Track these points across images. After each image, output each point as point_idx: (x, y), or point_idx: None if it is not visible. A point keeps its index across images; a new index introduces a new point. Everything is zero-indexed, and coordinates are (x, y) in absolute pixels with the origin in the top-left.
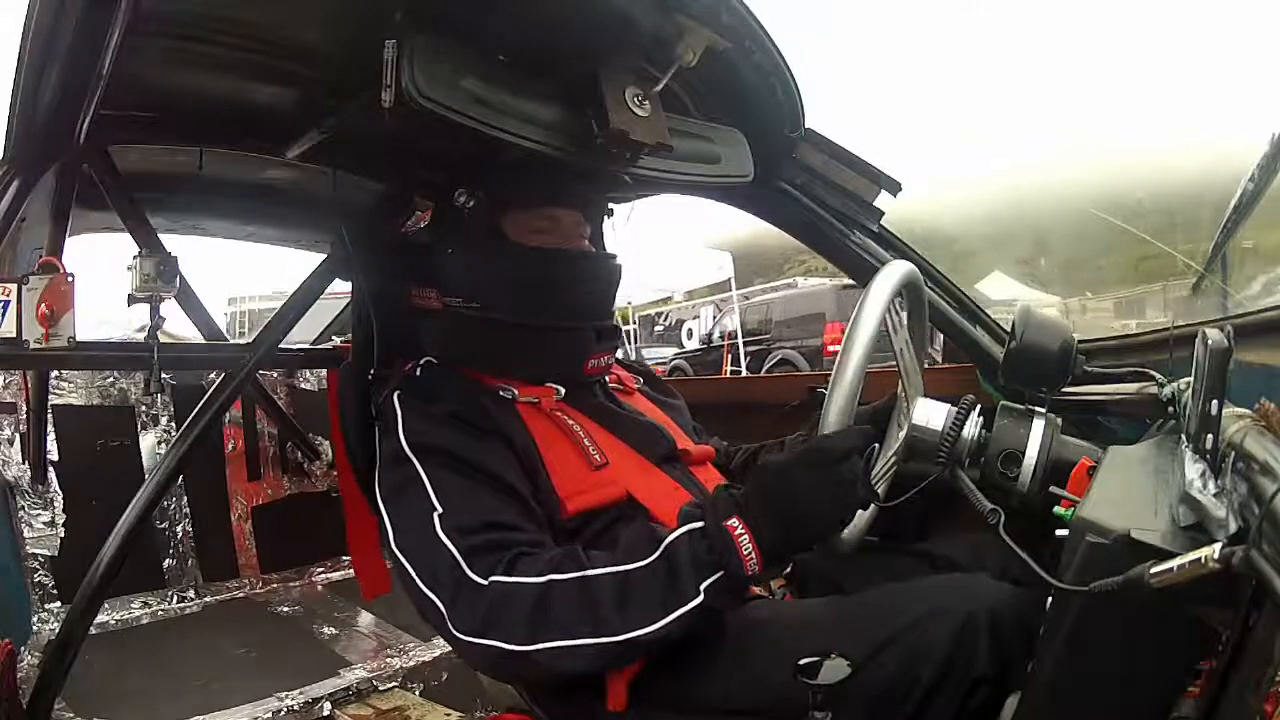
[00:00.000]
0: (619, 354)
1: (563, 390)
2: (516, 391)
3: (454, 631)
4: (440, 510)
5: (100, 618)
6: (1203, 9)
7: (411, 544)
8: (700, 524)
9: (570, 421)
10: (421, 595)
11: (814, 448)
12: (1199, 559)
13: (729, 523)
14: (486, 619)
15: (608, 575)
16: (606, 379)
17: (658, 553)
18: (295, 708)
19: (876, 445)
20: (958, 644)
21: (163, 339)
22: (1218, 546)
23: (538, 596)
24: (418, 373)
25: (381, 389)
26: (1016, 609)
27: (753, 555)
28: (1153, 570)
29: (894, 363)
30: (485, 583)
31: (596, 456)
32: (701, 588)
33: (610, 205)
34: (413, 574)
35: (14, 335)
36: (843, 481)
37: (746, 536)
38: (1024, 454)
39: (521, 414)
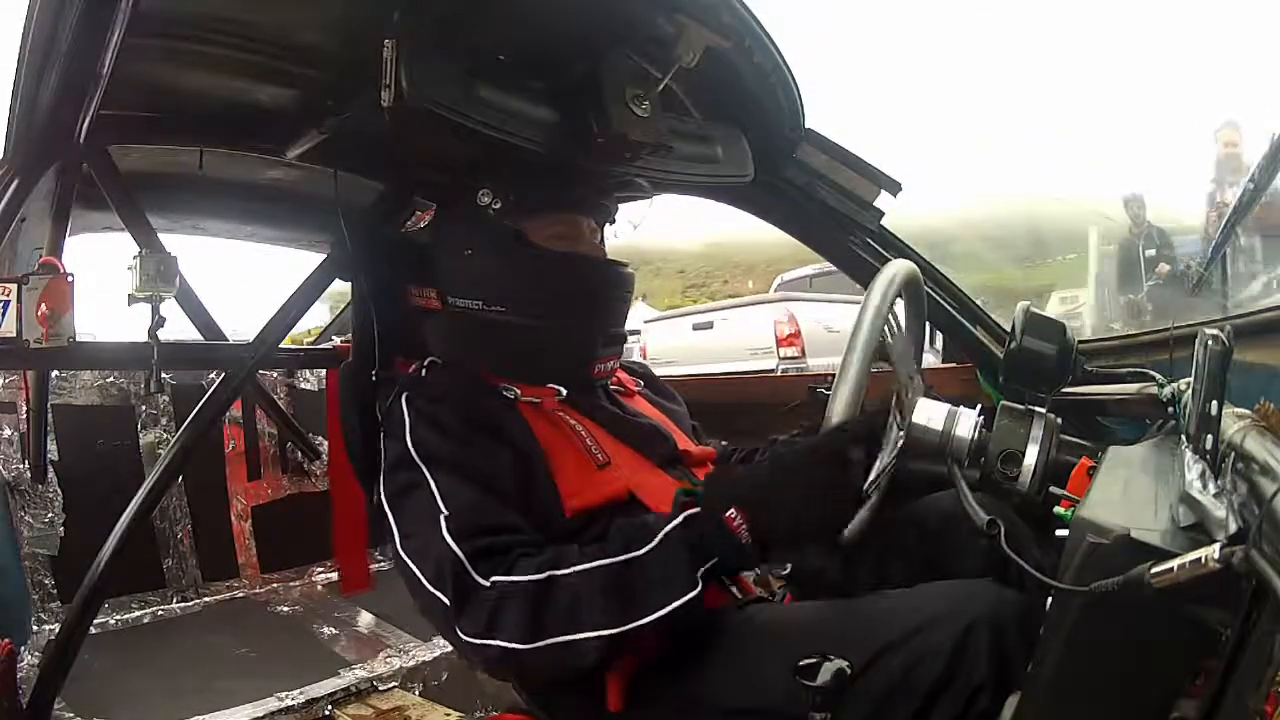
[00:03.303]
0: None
1: (564, 391)
2: (519, 391)
3: (460, 634)
4: (446, 514)
5: (100, 618)
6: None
7: (417, 547)
8: (695, 510)
9: (572, 422)
10: (429, 597)
11: (818, 441)
12: (1199, 559)
13: (728, 514)
14: (490, 619)
15: (605, 567)
16: (609, 381)
17: (654, 542)
18: (295, 708)
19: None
20: (959, 650)
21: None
22: (1218, 546)
23: (537, 592)
24: (423, 373)
25: (385, 390)
26: (1019, 615)
27: (746, 545)
28: (1153, 570)
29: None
30: (488, 584)
31: (599, 456)
32: (699, 576)
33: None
34: (419, 576)
35: (14, 335)
36: (845, 473)
37: (745, 527)
38: (1024, 454)
39: (524, 414)
